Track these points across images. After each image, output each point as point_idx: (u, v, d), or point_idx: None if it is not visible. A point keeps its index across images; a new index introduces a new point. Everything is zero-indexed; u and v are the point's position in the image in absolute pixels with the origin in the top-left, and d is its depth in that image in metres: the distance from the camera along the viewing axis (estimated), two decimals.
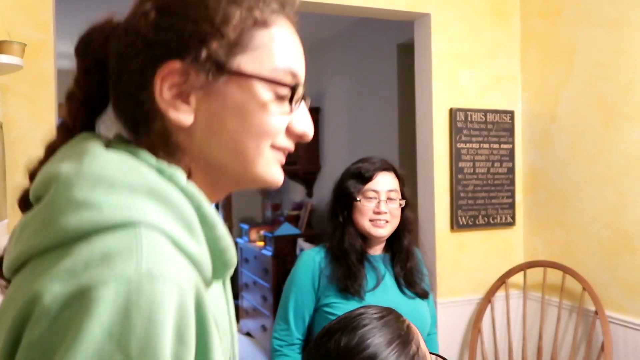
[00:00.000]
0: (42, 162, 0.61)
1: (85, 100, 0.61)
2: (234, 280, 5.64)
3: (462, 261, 2.56)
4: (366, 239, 1.67)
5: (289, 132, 0.63)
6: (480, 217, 2.57)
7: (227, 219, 5.84)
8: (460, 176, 2.53)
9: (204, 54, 0.57)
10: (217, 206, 6.16)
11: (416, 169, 2.66)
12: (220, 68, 0.58)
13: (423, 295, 1.68)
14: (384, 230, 1.64)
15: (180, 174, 0.57)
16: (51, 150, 0.61)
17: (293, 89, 0.61)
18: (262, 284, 4.64)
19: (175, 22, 0.57)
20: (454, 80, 2.53)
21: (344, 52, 4.23)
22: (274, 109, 0.60)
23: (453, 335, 2.55)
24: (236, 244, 5.61)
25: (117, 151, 0.56)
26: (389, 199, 1.65)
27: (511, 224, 2.64)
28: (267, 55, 0.60)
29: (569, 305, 2.40)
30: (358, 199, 1.63)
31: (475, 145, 2.56)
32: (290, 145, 0.64)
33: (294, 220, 4.75)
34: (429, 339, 1.78)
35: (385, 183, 1.65)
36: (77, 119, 0.62)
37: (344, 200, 1.66)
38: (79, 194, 0.51)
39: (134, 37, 0.58)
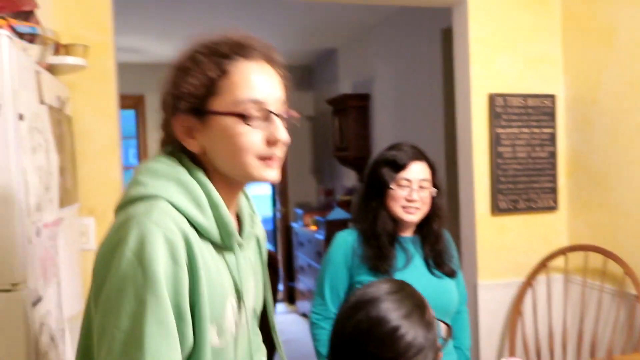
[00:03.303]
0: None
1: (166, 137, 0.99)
2: (290, 263, 5.85)
3: (503, 244, 2.60)
4: (397, 222, 1.77)
5: (267, 142, 0.90)
6: (521, 201, 2.60)
7: (284, 204, 6.05)
8: (499, 161, 2.56)
9: (185, 107, 0.89)
10: (274, 192, 6.39)
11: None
12: (200, 113, 0.89)
13: (451, 274, 1.76)
14: (415, 216, 1.73)
15: (200, 172, 0.91)
16: None
17: (248, 115, 0.87)
18: (315, 267, 4.81)
19: (169, 90, 0.92)
20: (493, 65, 2.56)
21: (390, 38, 4.28)
22: (244, 130, 0.88)
23: (494, 317, 2.60)
24: (291, 228, 5.81)
25: (171, 156, 0.93)
26: (421, 187, 1.73)
27: (553, 208, 2.64)
28: (229, 95, 0.88)
29: (611, 290, 2.40)
30: (391, 186, 1.72)
31: (515, 130, 2.58)
32: (272, 153, 0.90)
33: (346, 205, 4.88)
34: (458, 316, 1.87)
35: (418, 172, 1.73)
36: (162, 144, 0.99)
37: (378, 186, 1.75)
38: (139, 177, 0.91)
39: (161, 103, 0.94)
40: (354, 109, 4.74)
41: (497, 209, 2.56)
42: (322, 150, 6.03)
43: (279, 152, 0.91)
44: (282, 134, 0.90)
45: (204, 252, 0.87)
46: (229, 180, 0.93)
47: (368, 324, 0.96)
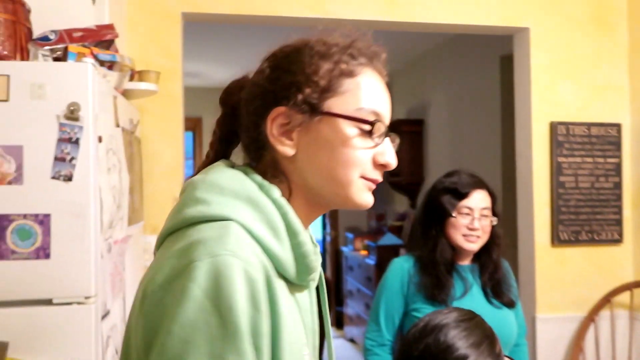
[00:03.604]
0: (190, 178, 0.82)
1: (222, 137, 0.82)
2: (339, 287, 5.83)
3: (563, 277, 2.51)
4: (456, 250, 1.75)
5: (374, 163, 0.76)
6: (583, 232, 2.51)
7: (334, 228, 6.06)
8: (561, 190, 2.49)
9: (300, 98, 0.73)
10: (324, 214, 6.42)
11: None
12: (314, 109, 0.73)
13: (510, 304, 1.72)
14: (476, 245, 1.71)
15: (275, 190, 0.73)
16: (197, 171, 0.81)
17: (373, 125, 0.74)
18: (365, 292, 4.78)
19: (280, 75, 0.75)
20: (555, 93, 2.51)
21: (446, 64, 4.27)
22: (358, 143, 0.74)
23: (553, 353, 2.50)
24: (341, 252, 5.80)
25: (234, 169, 0.75)
26: (482, 216, 1.71)
27: (618, 241, 2.54)
28: (352, 98, 0.74)
29: None
30: (453, 215, 1.71)
31: (578, 159, 2.51)
32: (377, 176, 0.77)
33: (397, 230, 4.84)
34: (517, 349, 1.81)
35: (479, 200, 1.71)
36: (214, 150, 0.82)
37: (438, 214, 1.74)
38: (199, 194, 0.71)
39: (254, 88, 0.76)
40: (407, 135, 4.73)
41: (557, 240, 2.48)
42: None
43: (381, 177, 0.77)
44: (393, 158, 0.77)
45: (280, 291, 0.69)
46: (313, 200, 0.77)
47: (436, 350, 0.96)
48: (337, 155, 0.73)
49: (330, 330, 0.87)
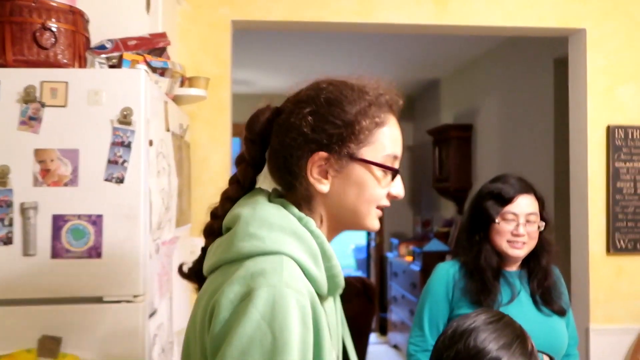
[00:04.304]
0: (220, 206, 0.95)
1: (251, 163, 0.95)
2: (383, 293, 5.79)
3: (619, 287, 2.40)
4: (502, 256, 1.70)
5: (388, 195, 0.93)
6: None
7: (379, 234, 6.02)
8: (618, 197, 2.39)
9: (344, 151, 0.88)
10: None
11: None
12: (352, 157, 0.88)
13: (560, 312, 1.66)
14: (521, 251, 1.67)
15: (312, 222, 0.88)
16: (227, 198, 0.95)
17: (397, 172, 0.91)
18: (409, 298, 4.72)
19: (323, 126, 0.88)
20: (612, 96, 2.41)
21: (497, 68, 4.17)
22: (383, 183, 0.91)
23: None
24: (386, 258, 5.76)
25: (275, 203, 0.90)
26: (528, 221, 1.66)
27: None
28: (380, 146, 0.90)
29: None
30: (497, 220, 1.67)
31: (637, 165, 2.40)
32: (388, 204, 0.93)
33: (444, 236, 4.76)
34: None
35: (525, 206, 1.66)
36: (246, 177, 0.95)
37: (482, 219, 1.70)
38: (252, 229, 0.84)
39: (296, 134, 0.89)
40: (455, 140, 4.65)
41: (613, 248, 2.37)
42: (420, 180, 5.96)
43: (389, 203, 0.94)
44: (402, 190, 0.94)
45: (321, 310, 0.83)
46: (335, 226, 0.93)
47: (467, 355, 0.94)
48: (365, 194, 0.90)
49: (348, 331, 1.01)
